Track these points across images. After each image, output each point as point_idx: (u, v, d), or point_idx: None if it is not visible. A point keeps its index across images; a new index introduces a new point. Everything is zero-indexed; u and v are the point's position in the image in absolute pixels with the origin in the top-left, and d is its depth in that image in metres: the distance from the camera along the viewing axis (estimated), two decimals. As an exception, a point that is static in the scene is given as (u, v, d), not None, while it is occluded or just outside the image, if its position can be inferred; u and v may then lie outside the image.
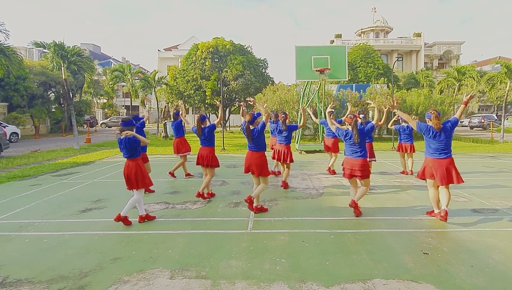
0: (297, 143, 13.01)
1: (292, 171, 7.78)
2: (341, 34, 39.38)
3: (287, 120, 6.26)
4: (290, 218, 4.64)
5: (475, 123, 27.57)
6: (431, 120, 4.40)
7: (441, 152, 4.32)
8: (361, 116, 6.39)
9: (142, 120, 6.12)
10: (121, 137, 4.30)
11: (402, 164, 7.91)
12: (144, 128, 6.13)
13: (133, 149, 4.33)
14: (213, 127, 5.54)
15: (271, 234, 4.04)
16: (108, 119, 37.76)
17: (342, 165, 4.85)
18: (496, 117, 28.44)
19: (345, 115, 4.91)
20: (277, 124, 6.49)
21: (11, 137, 17.96)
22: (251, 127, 4.76)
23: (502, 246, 3.58)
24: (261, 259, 3.35)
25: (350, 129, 4.73)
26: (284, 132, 6.25)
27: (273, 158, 6.58)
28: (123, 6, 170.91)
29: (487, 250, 3.50)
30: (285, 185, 6.43)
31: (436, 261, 3.25)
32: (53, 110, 26.39)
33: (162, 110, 22.54)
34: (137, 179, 4.31)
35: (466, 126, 29.21)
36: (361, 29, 42.03)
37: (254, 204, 4.81)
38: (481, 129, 26.83)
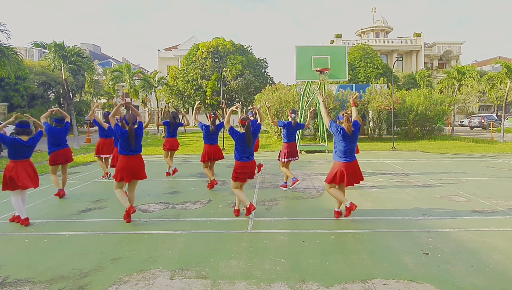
0: (297, 143, 13.01)
1: (292, 171, 7.75)
2: (341, 34, 39.34)
3: (216, 120, 6.29)
4: (290, 218, 4.64)
5: (475, 123, 27.57)
6: (343, 122, 4.31)
7: (351, 155, 4.36)
8: (292, 115, 6.29)
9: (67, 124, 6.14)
10: (24, 139, 4.55)
11: None
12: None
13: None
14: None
15: (271, 234, 4.04)
16: (108, 119, 37.73)
17: (237, 170, 4.50)
18: (496, 117, 28.43)
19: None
20: (202, 125, 6.32)
21: (11, 137, 17.95)
22: (134, 127, 4.27)
23: (502, 246, 3.58)
24: (261, 259, 3.35)
25: (243, 130, 4.44)
26: (213, 132, 6.26)
27: (204, 160, 6.31)
28: (123, 6, 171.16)
29: (487, 250, 3.50)
30: (213, 185, 6.38)
31: (436, 261, 3.25)
32: (53, 110, 26.36)
33: (162, 110, 22.55)
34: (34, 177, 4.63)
35: (466, 126, 29.22)
36: (361, 29, 42.00)
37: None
38: (481, 129, 26.82)
